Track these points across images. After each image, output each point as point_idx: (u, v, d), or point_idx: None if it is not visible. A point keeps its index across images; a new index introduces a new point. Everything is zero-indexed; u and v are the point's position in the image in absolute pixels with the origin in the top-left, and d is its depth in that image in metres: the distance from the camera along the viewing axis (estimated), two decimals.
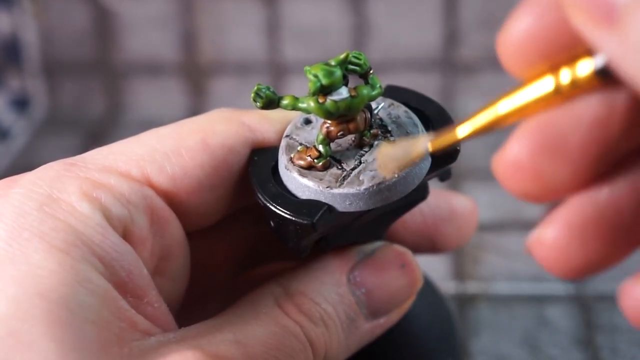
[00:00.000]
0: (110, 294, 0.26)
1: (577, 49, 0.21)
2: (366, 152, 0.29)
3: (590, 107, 0.21)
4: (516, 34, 0.22)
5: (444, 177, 0.31)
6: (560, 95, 0.21)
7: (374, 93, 0.28)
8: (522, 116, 0.22)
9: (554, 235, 0.22)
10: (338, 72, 0.28)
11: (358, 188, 0.28)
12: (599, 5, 0.19)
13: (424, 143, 0.26)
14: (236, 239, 0.35)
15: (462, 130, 0.24)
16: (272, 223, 0.29)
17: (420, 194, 0.31)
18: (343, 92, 0.28)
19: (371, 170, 0.28)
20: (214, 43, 0.70)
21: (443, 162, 0.29)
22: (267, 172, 0.30)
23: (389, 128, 0.30)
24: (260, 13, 0.69)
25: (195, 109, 0.70)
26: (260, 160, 0.30)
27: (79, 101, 0.71)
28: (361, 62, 0.28)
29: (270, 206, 0.28)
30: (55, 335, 0.24)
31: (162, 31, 0.70)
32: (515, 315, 0.47)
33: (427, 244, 0.36)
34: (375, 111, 0.30)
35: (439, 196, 0.36)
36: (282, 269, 0.32)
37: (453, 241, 0.36)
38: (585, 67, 0.21)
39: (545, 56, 0.21)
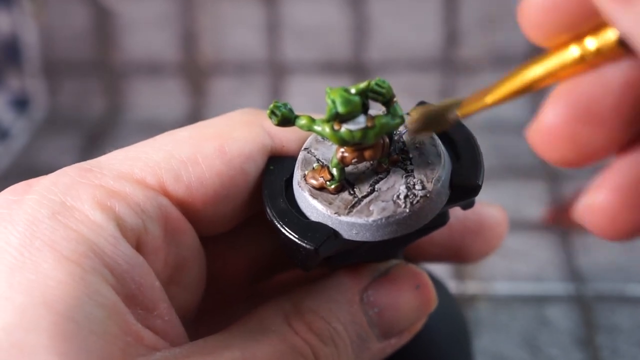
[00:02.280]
0: (118, 307, 0.26)
1: (600, 16, 0.21)
2: (382, 178, 0.28)
3: (618, 72, 0.21)
4: (536, 1, 0.22)
5: (466, 207, 0.30)
6: (587, 62, 0.21)
7: (392, 123, 0.27)
8: (551, 82, 0.22)
9: (604, 200, 0.22)
10: (356, 100, 0.26)
11: (366, 219, 0.27)
12: None
13: (453, 110, 0.25)
14: (253, 246, 0.34)
15: (491, 97, 0.24)
16: (280, 238, 0.28)
17: (438, 221, 0.29)
18: (360, 121, 0.26)
19: (383, 201, 0.27)
20: (214, 43, 0.70)
21: (463, 195, 0.28)
22: (280, 185, 0.29)
23: (411, 155, 0.28)
24: (260, 13, 0.69)
25: (195, 109, 0.70)
26: (275, 170, 0.30)
27: (79, 101, 0.71)
28: (384, 90, 0.27)
29: (277, 223, 0.28)
30: (58, 347, 0.24)
31: (162, 31, 0.70)
32: (515, 315, 0.47)
33: (452, 255, 0.35)
34: (399, 135, 0.29)
35: None
36: (299, 279, 0.31)
37: (480, 253, 0.36)
38: (608, 37, 0.21)
39: (567, 24, 0.21)
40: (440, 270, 0.50)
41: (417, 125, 0.27)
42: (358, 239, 0.27)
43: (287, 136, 0.30)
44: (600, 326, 0.46)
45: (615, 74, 0.21)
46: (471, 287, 0.50)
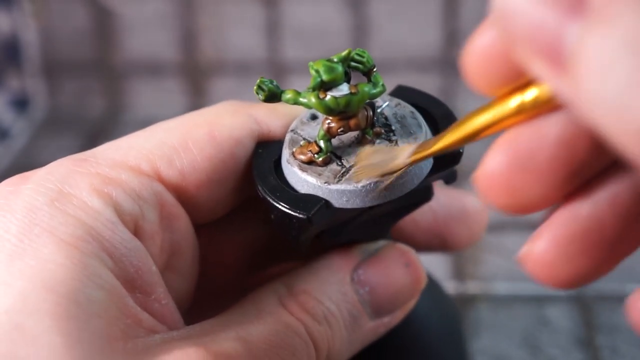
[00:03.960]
0: (118, 290, 0.26)
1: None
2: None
3: (555, 125, 0.21)
4: (478, 50, 0.22)
5: (449, 180, 0.31)
6: (527, 113, 0.21)
7: (374, 91, 0.28)
8: (495, 131, 0.22)
9: (542, 250, 0.23)
10: (339, 69, 0.27)
11: (355, 185, 0.28)
12: (547, 48, 0.18)
13: (406, 156, 0.26)
14: (247, 234, 0.35)
15: (439, 144, 0.25)
16: (272, 216, 0.29)
17: (423, 195, 0.31)
18: (344, 89, 0.28)
19: None
20: (214, 43, 0.70)
21: (445, 164, 0.29)
22: (270, 165, 0.30)
23: (393, 127, 0.30)
24: (260, 13, 0.69)
25: (195, 109, 0.70)
26: (264, 153, 0.30)
27: (79, 101, 0.71)
28: (364, 59, 0.28)
29: (269, 199, 0.29)
30: (61, 328, 0.24)
31: (162, 31, 0.70)
32: (515, 315, 0.47)
33: (438, 243, 0.36)
34: (380, 109, 0.30)
35: (450, 194, 0.36)
36: (293, 268, 0.32)
37: (464, 240, 0.36)
38: (545, 89, 0.20)
39: (508, 75, 0.21)
40: (440, 270, 0.50)
41: (366, 168, 0.28)
42: (349, 206, 0.28)
43: (273, 122, 0.31)
44: (600, 326, 0.46)
45: (550, 127, 0.21)
46: (471, 287, 0.50)
